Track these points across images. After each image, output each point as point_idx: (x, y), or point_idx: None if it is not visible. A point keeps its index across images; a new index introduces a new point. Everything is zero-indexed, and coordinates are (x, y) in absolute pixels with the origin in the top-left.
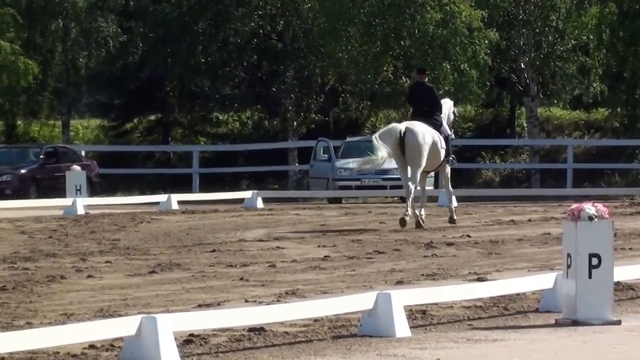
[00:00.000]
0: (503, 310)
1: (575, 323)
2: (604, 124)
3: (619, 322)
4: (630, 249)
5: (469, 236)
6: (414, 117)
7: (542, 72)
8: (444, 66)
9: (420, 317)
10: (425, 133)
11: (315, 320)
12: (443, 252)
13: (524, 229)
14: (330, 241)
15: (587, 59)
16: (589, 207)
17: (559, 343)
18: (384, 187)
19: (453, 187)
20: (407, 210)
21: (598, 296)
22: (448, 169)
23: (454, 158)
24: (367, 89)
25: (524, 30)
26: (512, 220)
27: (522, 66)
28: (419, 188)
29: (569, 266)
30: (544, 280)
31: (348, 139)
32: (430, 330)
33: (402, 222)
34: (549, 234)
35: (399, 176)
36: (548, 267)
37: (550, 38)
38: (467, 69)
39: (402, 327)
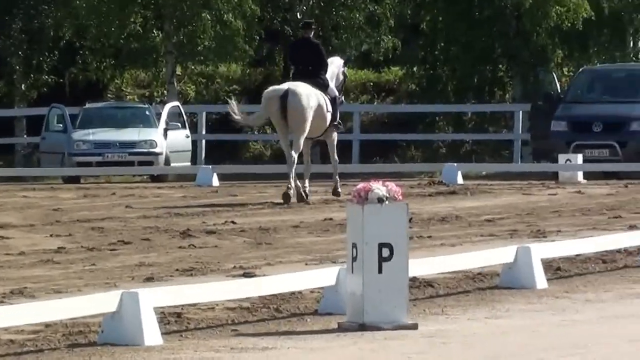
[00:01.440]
0: (275, 313)
1: (363, 327)
2: (398, 86)
3: (415, 326)
4: (429, 237)
5: (233, 222)
6: (296, 78)
7: (322, 24)
8: (204, 17)
9: (174, 320)
10: (309, 95)
11: (47, 325)
12: (202, 241)
13: (300, 213)
14: (66, 229)
15: (376, 7)
16: (379, 187)
17: (342, 352)
18: (131, 164)
19: (214, 163)
20: (289, 183)
21: (390, 295)
22: (335, 136)
23: (339, 123)
24: (111, 45)
25: None
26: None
27: (298, 16)
28: (306, 158)
29: (354, 259)
30: (324, 276)
31: (88, 105)
32: (187, 337)
33: (286, 197)
34: (330, 219)
35: (147, 150)
36: (330, 260)
37: None
38: (232, 19)
39: (152, 334)
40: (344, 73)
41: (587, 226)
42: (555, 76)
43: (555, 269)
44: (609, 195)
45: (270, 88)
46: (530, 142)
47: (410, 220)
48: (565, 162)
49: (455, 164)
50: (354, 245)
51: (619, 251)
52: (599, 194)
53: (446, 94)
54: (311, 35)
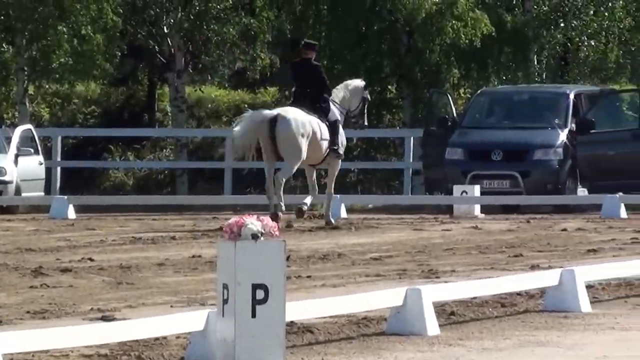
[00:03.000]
0: None
1: None
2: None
3: None
4: (308, 277)
5: (91, 259)
6: (295, 100)
7: (192, 39)
8: (59, 30)
9: None
10: (301, 121)
11: None
12: (56, 281)
13: (165, 249)
14: None
15: (252, 20)
16: (253, 222)
17: None
18: None
19: (70, 193)
20: (280, 201)
21: (264, 341)
22: (337, 164)
23: (338, 149)
24: None
25: None
26: (151, 239)
27: (165, 30)
28: (311, 183)
29: (225, 301)
30: (191, 320)
31: None
32: None
33: (274, 217)
34: (199, 256)
35: None
36: (198, 302)
37: None
38: (91, 33)
39: None
40: (364, 98)
41: (484, 266)
42: (450, 98)
43: (448, 313)
44: (509, 231)
45: (259, 111)
46: (422, 172)
47: (287, 258)
48: (461, 194)
49: (338, 196)
50: (225, 286)
51: (519, 294)
52: (497, 229)
53: None
54: (313, 57)
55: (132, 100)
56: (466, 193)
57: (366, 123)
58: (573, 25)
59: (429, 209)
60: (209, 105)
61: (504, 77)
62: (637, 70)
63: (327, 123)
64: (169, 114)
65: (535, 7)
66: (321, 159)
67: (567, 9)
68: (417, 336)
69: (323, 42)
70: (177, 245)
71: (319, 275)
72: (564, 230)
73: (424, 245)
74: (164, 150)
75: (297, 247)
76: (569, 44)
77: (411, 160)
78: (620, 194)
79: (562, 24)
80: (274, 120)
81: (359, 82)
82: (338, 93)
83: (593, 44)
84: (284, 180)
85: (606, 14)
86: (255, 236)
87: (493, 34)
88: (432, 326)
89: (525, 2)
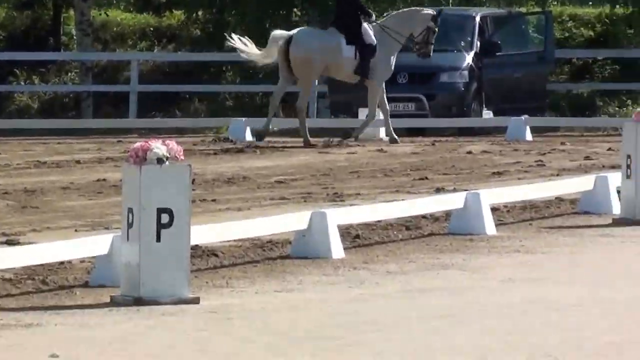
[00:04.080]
0: (41, 285)
1: (139, 302)
2: (180, 32)
3: (196, 301)
4: (213, 200)
5: None
6: (332, 23)
7: None
8: None
9: None
10: (315, 40)
11: None
12: None
13: (71, 173)
14: None
15: None
16: (158, 146)
17: (115, 329)
18: None
19: None
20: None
21: (169, 266)
22: (373, 88)
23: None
24: None
25: None
26: (55, 162)
27: None
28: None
29: (130, 225)
30: (96, 244)
31: None
32: None
33: (259, 136)
34: (104, 180)
35: None
36: (102, 227)
37: None
38: None
39: None
40: (428, 27)
41: (389, 189)
42: None
43: (353, 236)
44: (414, 154)
45: (276, 32)
46: (328, 95)
47: (193, 181)
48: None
49: (243, 119)
50: (130, 210)
51: (424, 217)
52: (402, 152)
53: None
54: None
55: (38, 24)
56: None
57: (431, 52)
58: None
59: (335, 132)
60: (115, 29)
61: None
62: None
63: (359, 45)
64: (74, 37)
65: None
66: (351, 77)
67: None
68: (322, 260)
69: None
70: (82, 169)
71: (224, 199)
72: (469, 152)
73: (329, 168)
74: (69, 74)
75: (202, 171)
76: None
77: (316, 83)
78: (526, 116)
79: None
80: (287, 41)
81: (421, 10)
82: (391, 19)
83: None
84: (303, 106)
85: None
86: (160, 160)
87: None
88: (337, 249)
89: None
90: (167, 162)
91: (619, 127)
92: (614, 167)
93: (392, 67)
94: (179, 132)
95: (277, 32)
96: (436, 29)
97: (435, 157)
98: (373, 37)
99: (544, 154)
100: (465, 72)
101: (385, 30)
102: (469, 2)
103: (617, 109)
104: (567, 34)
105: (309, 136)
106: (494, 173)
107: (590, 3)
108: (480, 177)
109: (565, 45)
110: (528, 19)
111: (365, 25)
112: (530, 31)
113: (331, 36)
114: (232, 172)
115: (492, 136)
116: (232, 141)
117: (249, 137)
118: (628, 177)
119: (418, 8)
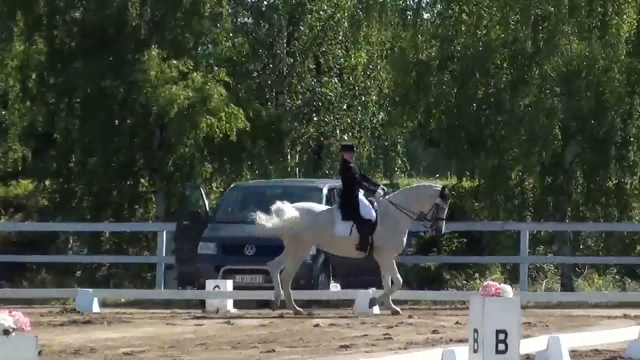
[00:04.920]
0: None
1: None
2: (28, 202)
3: None
4: None
5: None
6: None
7: None
8: None
9: None
10: (301, 217)
11: None
12: None
13: None
14: None
15: (4, 113)
16: (5, 317)
17: None
18: None
19: None
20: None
21: None
22: (383, 257)
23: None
24: None
25: None
26: None
27: None
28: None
29: None
30: None
31: None
32: None
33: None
34: None
35: None
36: None
37: None
38: None
39: None
40: (436, 204)
41: None
42: (203, 192)
43: None
44: (262, 326)
45: (280, 205)
46: (175, 266)
47: (39, 353)
48: (214, 288)
49: (90, 290)
50: None
51: None
52: (250, 325)
53: (81, 210)
54: (350, 157)
55: None
56: (219, 288)
57: (442, 228)
58: (326, 120)
59: (181, 303)
60: None
61: (257, 172)
62: (389, 165)
63: (357, 221)
64: None
65: (289, 101)
66: (355, 252)
67: (320, 104)
68: None
69: (76, 135)
70: None
71: None
72: (317, 325)
73: (176, 340)
74: None
75: (49, 342)
76: (322, 138)
77: (164, 254)
78: (374, 289)
79: (315, 118)
80: (281, 214)
81: (428, 187)
82: (399, 195)
83: (346, 137)
84: (289, 277)
85: (360, 108)
86: (6, 331)
87: (247, 128)
88: None
89: (278, 96)
90: (13, 333)
91: (466, 300)
92: (461, 341)
93: (405, 240)
94: (27, 302)
95: (280, 206)
96: (445, 206)
97: (282, 330)
98: (373, 213)
99: (392, 327)
100: None
101: (393, 204)
102: (316, 173)
103: (464, 282)
104: None
105: (295, 306)
106: (341, 346)
107: (437, 175)
108: (327, 351)
109: None
110: None
111: (364, 200)
112: None
113: (326, 214)
114: (79, 344)
115: (341, 309)
116: (79, 312)
117: (96, 308)
118: (475, 351)
119: (426, 185)
